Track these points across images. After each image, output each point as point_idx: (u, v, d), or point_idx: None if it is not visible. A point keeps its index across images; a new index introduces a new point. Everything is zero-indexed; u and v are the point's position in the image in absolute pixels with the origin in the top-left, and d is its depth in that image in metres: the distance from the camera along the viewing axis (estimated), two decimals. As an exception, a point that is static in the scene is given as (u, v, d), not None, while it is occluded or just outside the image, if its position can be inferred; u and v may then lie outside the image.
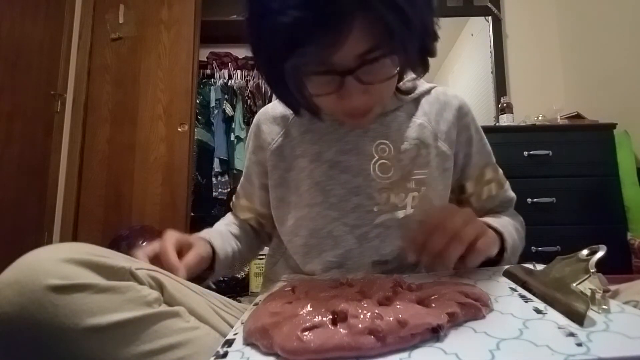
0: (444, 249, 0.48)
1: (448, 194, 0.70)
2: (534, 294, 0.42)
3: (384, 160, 0.64)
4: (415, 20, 0.48)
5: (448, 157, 0.68)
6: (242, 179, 0.79)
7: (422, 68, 0.60)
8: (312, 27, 0.44)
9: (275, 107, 0.73)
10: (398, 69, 0.53)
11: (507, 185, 0.75)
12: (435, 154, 0.66)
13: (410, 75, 0.67)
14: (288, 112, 0.71)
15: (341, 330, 0.33)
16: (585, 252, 0.41)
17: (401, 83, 0.67)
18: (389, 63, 0.51)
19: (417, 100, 0.69)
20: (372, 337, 0.32)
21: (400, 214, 0.63)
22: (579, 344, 0.30)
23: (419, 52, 0.55)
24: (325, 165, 0.65)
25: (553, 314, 0.36)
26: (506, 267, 0.52)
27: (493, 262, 0.57)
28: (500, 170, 0.75)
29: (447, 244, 0.48)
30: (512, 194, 0.76)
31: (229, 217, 0.81)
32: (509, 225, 0.64)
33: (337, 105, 0.54)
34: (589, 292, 0.37)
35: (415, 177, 0.64)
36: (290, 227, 0.68)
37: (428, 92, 0.71)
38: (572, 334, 0.32)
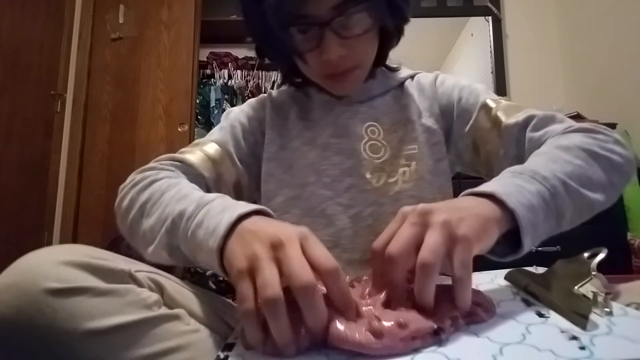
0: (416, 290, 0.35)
1: (444, 167, 0.67)
2: (536, 298, 0.42)
3: (374, 142, 0.66)
4: None
5: (435, 132, 0.68)
6: (221, 136, 0.68)
7: (396, 30, 0.65)
8: None
9: (277, 92, 0.76)
10: (372, 23, 0.58)
11: (525, 110, 0.61)
12: (421, 130, 0.67)
13: (389, 48, 0.69)
14: (287, 97, 0.74)
15: (340, 326, 0.33)
16: (586, 254, 0.41)
17: (388, 61, 0.72)
18: (362, 17, 0.57)
19: (401, 85, 0.72)
20: (372, 337, 0.32)
21: (392, 189, 0.64)
22: (582, 348, 0.30)
23: (390, 7, 0.59)
24: (318, 148, 0.67)
25: (556, 318, 0.36)
26: (508, 270, 0.52)
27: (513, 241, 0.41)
28: (504, 101, 0.65)
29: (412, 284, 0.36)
30: (530, 112, 0.60)
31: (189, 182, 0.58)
32: (532, 166, 0.47)
33: (318, 63, 0.59)
34: (591, 295, 0.36)
35: (405, 153, 0.65)
36: (280, 204, 0.66)
37: (412, 77, 0.74)
38: (575, 338, 0.31)
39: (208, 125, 2.59)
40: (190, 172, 0.61)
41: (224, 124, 0.71)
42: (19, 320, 0.32)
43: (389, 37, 0.66)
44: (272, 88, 2.62)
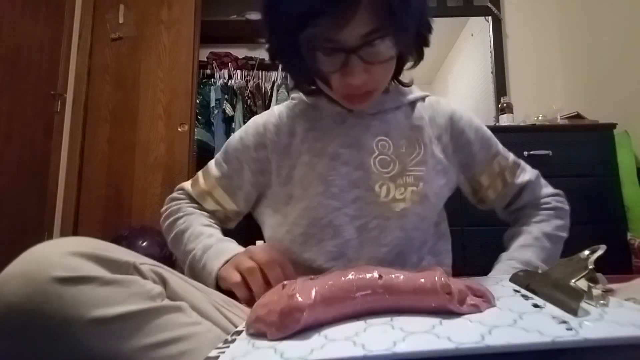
0: None
1: (445, 192, 0.72)
2: (535, 294, 0.43)
3: (384, 156, 0.67)
4: (414, 5, 0.56)
5: (440, 161, 0.70)
6: (221, 171, 0.75)
7: (417, 55, 0.67)
8: (324, 5, 0.52)
9: (281, 110, 0.75)
10: (396, 50, 0.60)
11: (521, 169, 0.76)
12: (430, 155, 0.69)
13: (408, 64, 0.70)
14: (292, 113, 0.73)
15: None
16: (586, 252, 0.41)
17: (401, 76, 0.72)
18: (389, 45, 0.58)
19: (413, 104, 0.73)
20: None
21: (399, 206, 0.65)
22: (569, 329, 0.31)
23: (416, 36, 0.62)
24: (327, 157, 0.67)
25: (550, 308, 0.37)
26: (513, 273, 0.52)
27: None
28: (512, 157, 0.76)
29: None
30: (527, 177, 0.75)
31: (200, 214, 0.75)
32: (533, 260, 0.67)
33: (340, 84, 0.60)
34: (586, 288, 0.37)
35: (414, 173, 0.67)
36: (293, 218, 0.68)
37: (422, 99, 0.75)
38: (564, 322, 0.32)
39: (208, 125, 2.60)
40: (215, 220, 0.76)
41: (220, 157, 0.76)
42: (27, 308, 0.33)
43: (407, 59, 0.67)
44: (272, 88, 2.62)
